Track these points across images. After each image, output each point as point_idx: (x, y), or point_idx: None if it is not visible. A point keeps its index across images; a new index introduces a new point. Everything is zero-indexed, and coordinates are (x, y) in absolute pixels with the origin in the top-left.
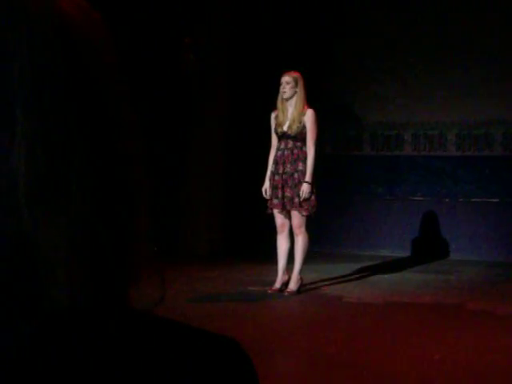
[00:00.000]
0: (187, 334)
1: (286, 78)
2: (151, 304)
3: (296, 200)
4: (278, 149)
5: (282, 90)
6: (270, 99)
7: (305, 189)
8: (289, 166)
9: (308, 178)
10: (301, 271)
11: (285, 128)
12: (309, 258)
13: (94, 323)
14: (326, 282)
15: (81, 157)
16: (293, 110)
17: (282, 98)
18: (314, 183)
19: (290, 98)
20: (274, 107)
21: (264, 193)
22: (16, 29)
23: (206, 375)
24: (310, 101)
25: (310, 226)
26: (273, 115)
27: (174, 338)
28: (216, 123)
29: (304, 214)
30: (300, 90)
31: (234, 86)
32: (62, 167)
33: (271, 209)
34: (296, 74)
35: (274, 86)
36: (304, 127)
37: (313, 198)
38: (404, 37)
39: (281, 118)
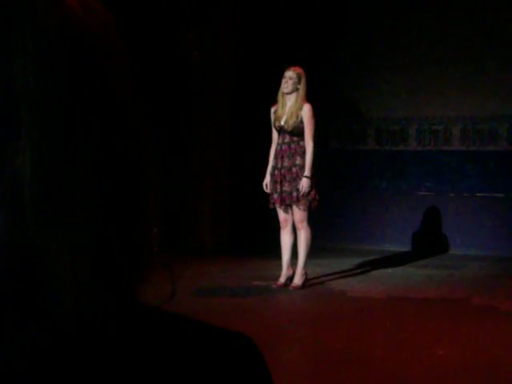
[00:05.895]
0: (199, 330)
1: (290, 74)
2: (162, 300)
3: (295, 194)
4: (277, 143)
5: (283, 84)
6: (273, 94)
7: (304, 183)
8: (287, 160)
9: (307, 172)
10: (305, 265)
11: (282, 122)
12: (313, 252)
13: (102, 323)
14: (330, 277)
15: (87, 158)
16: (291, 104)
17: (283, 92)
18: (313, 177)
19: (291, 93)
20: (275, 101)
21: (265, 187)
22: (20, 27)
23: (219, 371)
24: (316, 96)
25: (314, 220)
26: (272, 109)
27: (185, 334)
28: (220, 118)
29: (303, 207)
30: (301, 87)
31: (237, 80)
32: (67, 169)
33: (273, 203)
34: (299, 70)
35: (278, 81)
36: (301, 122)
37: (312, 192)
38: (408, 32)
39: (279, 111)
